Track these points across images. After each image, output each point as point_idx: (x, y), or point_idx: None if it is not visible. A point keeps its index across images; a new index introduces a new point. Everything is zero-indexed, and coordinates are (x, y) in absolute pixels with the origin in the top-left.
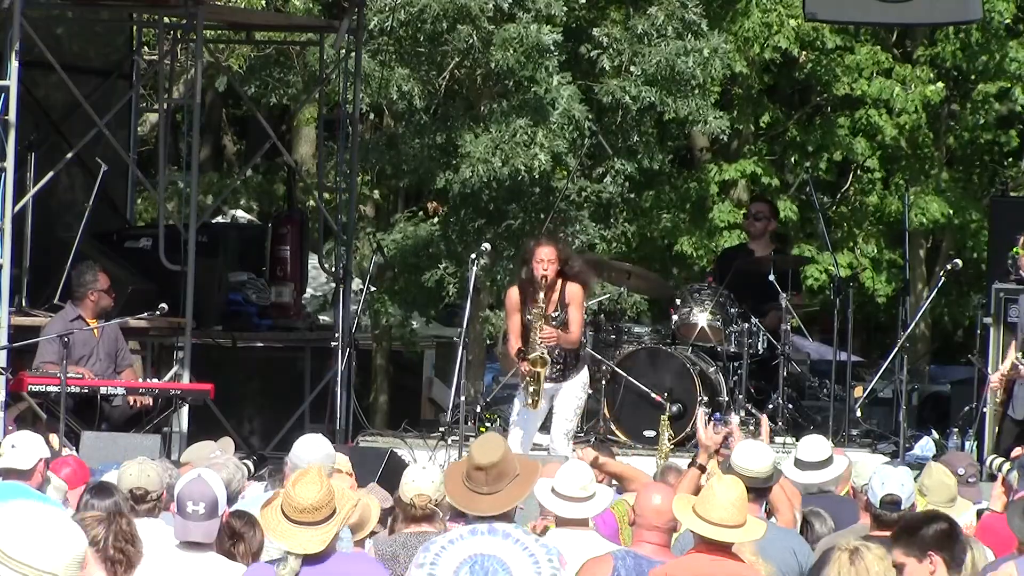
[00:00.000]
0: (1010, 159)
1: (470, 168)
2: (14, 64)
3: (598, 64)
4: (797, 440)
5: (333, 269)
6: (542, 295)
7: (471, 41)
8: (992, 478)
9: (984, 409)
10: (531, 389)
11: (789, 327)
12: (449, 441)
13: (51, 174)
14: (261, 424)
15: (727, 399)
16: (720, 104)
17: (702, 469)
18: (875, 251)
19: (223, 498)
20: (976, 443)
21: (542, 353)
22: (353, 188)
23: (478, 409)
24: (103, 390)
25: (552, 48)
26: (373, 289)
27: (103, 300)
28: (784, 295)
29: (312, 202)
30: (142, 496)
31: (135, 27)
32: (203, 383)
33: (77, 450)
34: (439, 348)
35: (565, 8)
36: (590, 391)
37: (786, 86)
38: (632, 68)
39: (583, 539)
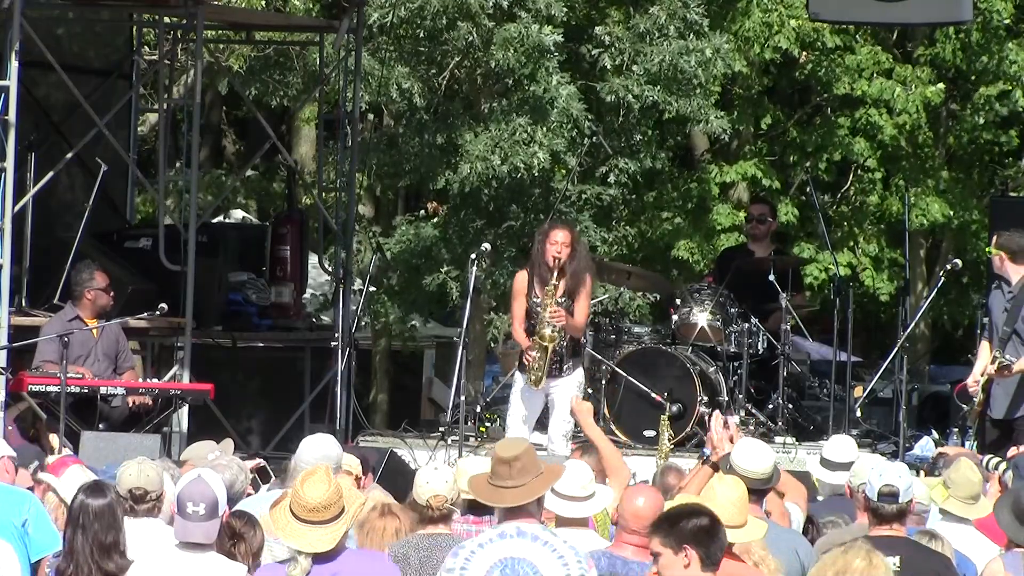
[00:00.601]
0: (1010, 159)
1: (469, 166)
2: (14, 64)
3: (599, 63)
4: (797, 440)
5: (333, 269)
6: (555, 275)
7: (471, 39)
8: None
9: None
10: (535, 367)
11: (789, 327)
12: (449, 441)
13: (51, 174)
14: (261, 424)
15: (727, 399)
16: (720, 104)
17: (715, 468)
18: (876, 250)
19: (223, 499)
20: (976, 443)
21: (552, 329)
22: (352, 188)
23: (478, 409)
24: (103, 390)
25: (552, 49)
26: (373, 289)
27: (100, 299)
28: (784, 295)
29: (312, 201)
30: (142, 496)
31: (135, 27)
32: (203, 383)
33: (76, 450)
34: (439, 348)
35: (565, 8)
36: (589, 391)
37: (786, 86)
38: (634, 67)
39: (582, 538)
